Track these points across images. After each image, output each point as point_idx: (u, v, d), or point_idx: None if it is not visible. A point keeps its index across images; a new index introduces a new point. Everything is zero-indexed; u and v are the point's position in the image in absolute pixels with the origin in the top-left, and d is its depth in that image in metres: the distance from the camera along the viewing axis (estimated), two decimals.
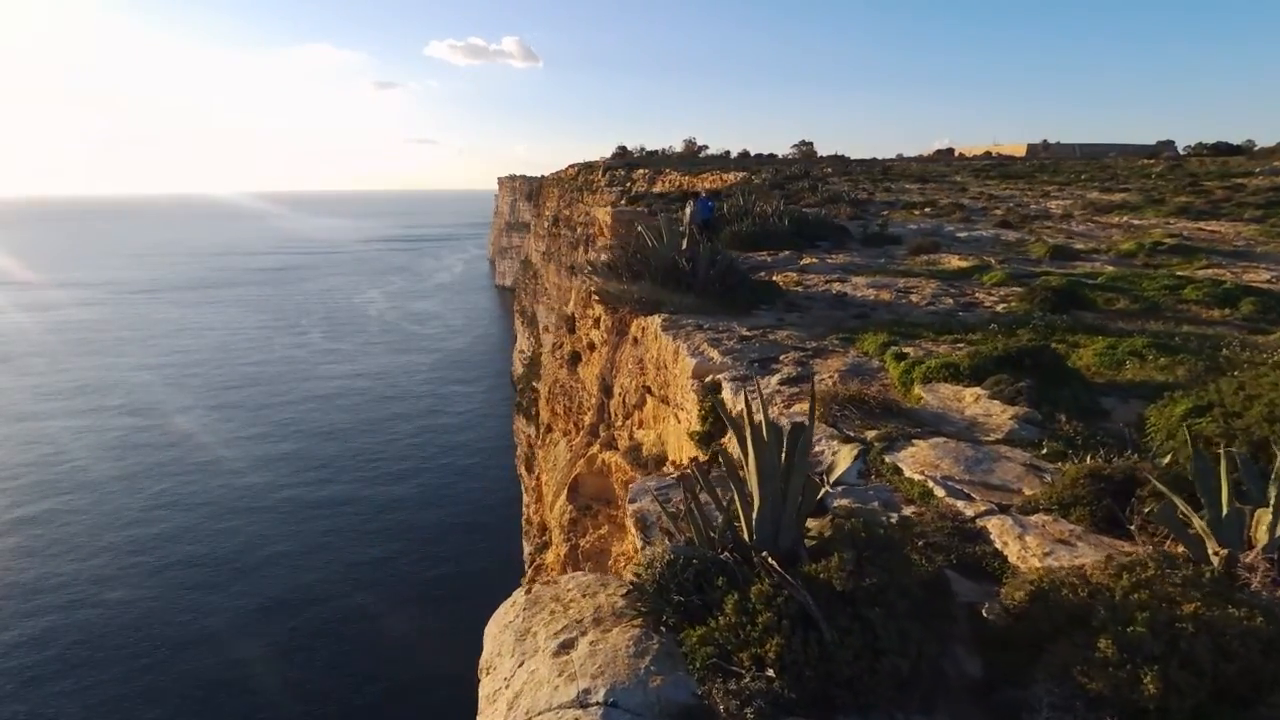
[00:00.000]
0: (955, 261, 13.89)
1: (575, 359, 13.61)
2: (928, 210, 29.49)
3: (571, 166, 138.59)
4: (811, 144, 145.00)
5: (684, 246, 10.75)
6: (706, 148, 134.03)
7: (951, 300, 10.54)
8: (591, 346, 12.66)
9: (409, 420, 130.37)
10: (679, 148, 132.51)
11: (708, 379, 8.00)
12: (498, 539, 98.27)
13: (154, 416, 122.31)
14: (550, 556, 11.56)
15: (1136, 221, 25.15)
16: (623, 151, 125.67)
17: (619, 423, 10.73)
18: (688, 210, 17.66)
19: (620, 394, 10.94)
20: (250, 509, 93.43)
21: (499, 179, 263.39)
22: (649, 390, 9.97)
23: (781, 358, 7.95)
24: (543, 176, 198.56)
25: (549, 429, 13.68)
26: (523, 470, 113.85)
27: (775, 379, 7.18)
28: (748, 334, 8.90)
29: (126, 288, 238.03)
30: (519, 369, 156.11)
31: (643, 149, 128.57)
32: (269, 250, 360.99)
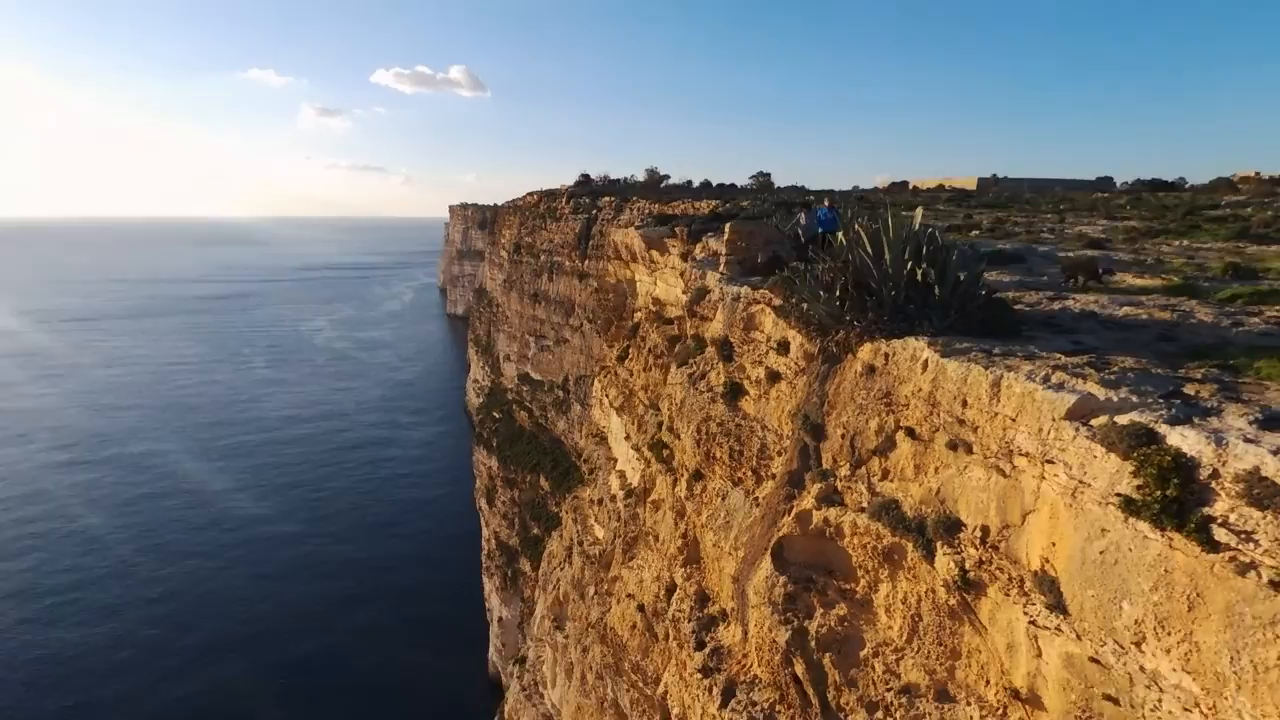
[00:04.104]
0: (1141, 280, 12.34)
1: (736, 391, 11.42)
2: (993, 232, 28.41)
3: (532, 194, 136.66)
4: (769, 175, 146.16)
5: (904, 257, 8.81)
6: (669, 177, 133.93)
7: (1260, 320, 8.75)
8: (773, 377, 10.51)
9: (360, 452, 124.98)
10: (641, 176, 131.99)
11: (1097, 420, 5.94)
12: (458, 573, 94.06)
13: (85, 451, 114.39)
14: (733, 635, 9.23)
15: (1201, 246, 24.30)
16: (586, 179, 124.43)
17: (844, 471, 8.61)
18: (801, 220, 15.85)
19: (843, 436, 8.80)
20: (189, 546, 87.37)
21: (450, 207, 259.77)
22: (910, 432, 7.86)
23: (1184, 389, 6.02)
24: (496, 205, 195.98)
25: (698, 476, 11.43)
26: (483, 503, 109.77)
27: (1238, 419, 5.24)
28: (1075, 361, 6.96)
29: (55, 315, 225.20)
30: (474, 399, 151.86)
31: (606, 177, 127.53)
32: (207, 277, 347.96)
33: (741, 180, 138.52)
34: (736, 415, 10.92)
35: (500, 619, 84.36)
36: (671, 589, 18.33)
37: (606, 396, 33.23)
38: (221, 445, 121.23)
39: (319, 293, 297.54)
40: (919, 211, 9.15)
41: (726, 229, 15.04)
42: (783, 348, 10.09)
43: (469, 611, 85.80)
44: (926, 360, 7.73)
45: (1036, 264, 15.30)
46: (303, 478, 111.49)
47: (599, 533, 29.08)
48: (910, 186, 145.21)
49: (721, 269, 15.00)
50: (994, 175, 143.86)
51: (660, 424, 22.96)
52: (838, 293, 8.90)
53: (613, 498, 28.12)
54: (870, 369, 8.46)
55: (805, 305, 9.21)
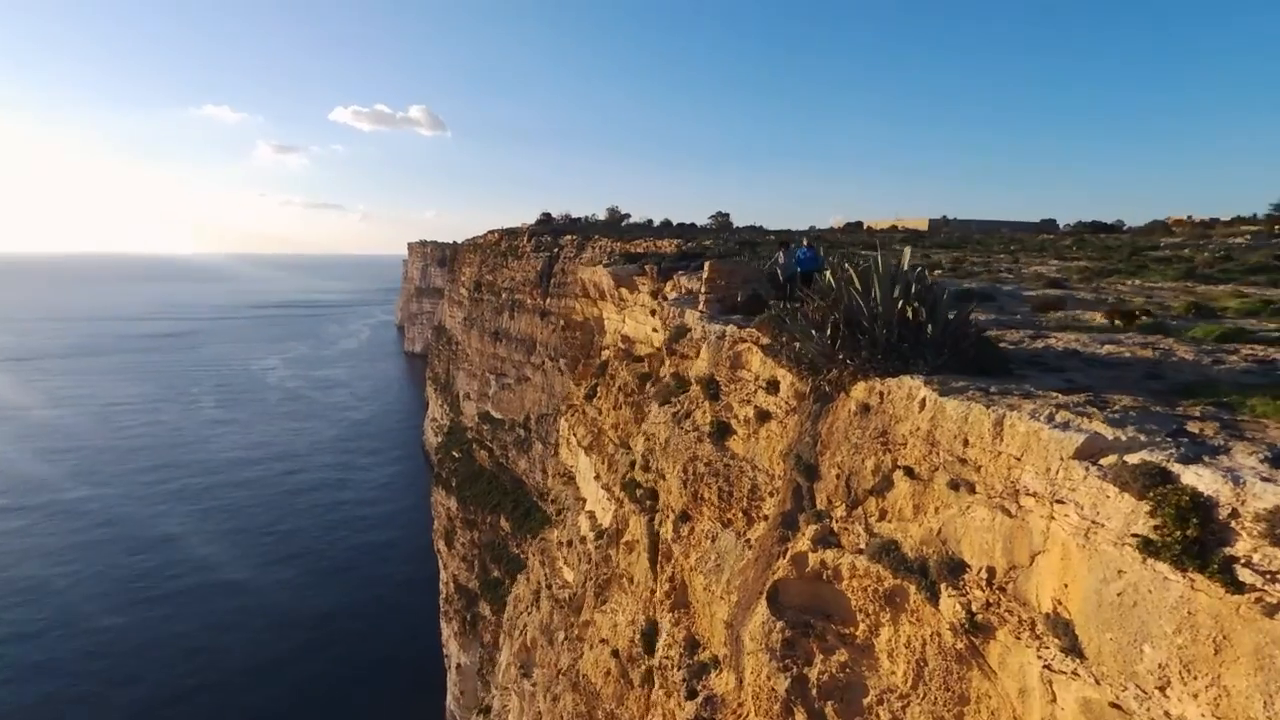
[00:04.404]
0: (1104, 318, 12.62)
1: (723, 431, 11.25)
2: (954, 271, 29.03)
3: (493, 232, 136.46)
4: (728, 214, 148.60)
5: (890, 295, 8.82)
6: (630, 216, 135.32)
7: (1238, 358, 8.90)
8: (763, 416, 10.38)
9: (313, 494, 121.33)
10: (603, 215, 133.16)
11: (1106, 460, 5.92)
12: (415, 618, 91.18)
13: (19, 496, 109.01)
14: (727, 683, 8.87)
15: (1153, 285, 25.14)
16: (547, 218, 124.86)
17: (840, 512, 8.47)
18: (779, 259, 15.91)
19: (838, 476, 8.68)
20: (131, 596, 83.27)
21: (409, 244, 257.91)
22: (909, 472, 7.78)
23: (1187, 427, 6.04)
24: (456, 242, 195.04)
25: (685, 517, 11.15)
26: (441, 545, 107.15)
27: (1248, 457, 5.24)
28: (1074, 399, 6.97)
29: None
30: (432, 438, 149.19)
31: (567, 216, 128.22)
32: (154, 315, 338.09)
33: (701, 220, 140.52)
34: (725, 455, 10.75)
35: (459, 665, 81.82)
36: (649, 633, 17.89)
37: (574, 435, 32.84)
38: (166, 489, 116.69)
39: (271, 330, 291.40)
40: (907, 251, 9.22)
41: (706, 267, 15.05)
42: (772, 387, 9.99)
43: (426, 658, 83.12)
44: (924, 399, 7.69)
45: (1006, 302, 15.61)
46: (252, 522, 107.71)
47: (568, 575, 28.45)
48: (865, 227, 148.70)
49: (701, 307, 14.96)
50: (944, 216, 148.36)
51: (633, 463, 22.66)
52: (829, 331, 8.88)
53: (582, 539, 27.61)
54: (865, 408, 8.40)
55: (797, 344, 9.13)
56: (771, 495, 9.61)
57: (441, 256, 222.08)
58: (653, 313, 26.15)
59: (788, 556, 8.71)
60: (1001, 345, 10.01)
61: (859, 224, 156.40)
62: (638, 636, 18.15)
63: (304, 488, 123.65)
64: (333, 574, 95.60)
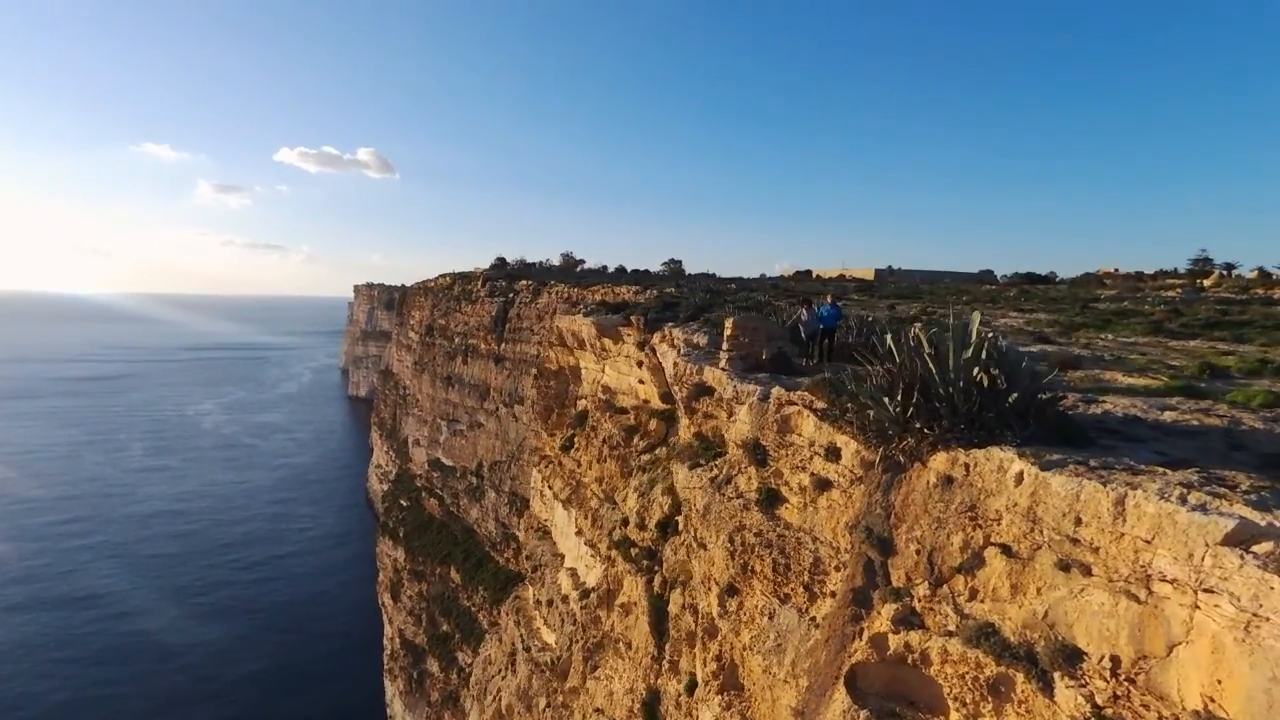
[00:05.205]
0: (1131, 379, 12.66)
1: (773, 499, 10.72)
2: (924, 323, 29.36)
3: (444, 276, 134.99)
4: (680, 262, 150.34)
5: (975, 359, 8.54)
6: (584, 261, 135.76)
7: None
8: (822, 484, 9.90)
9: (250, 547, 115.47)
10: (557, 260, 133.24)
11: (1260, 547, 5.63)
12: (358, 676, 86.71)
13: None
14: None
15: (1130, 341, 25.83)
16: (502, 262, 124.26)
17: (921, 590, 8.02)
18: (802, 315, 15.67)
19: (918, 551, 8.24)
20: (47, 665, 77.09)
21: (355, 286, 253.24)
22: (1006, 550, 7.40)
23: None
24: (404, 285, 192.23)
25: (733, 590, 10.50)
26: (386, 599, 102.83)
27: None
28: (1188, 476, 6.71)
29: None
30: (378, 485, 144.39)
31: (522, 260, 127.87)
32: (82, 356, 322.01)
33: (654, 266, 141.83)
34: (777, 525, 10.20)
35: None
36: (650, 703, 16.99)
37: (550, 488, 31.86)
38: (90, 542, 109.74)
39: (207, 374, 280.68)
40: (976, 316, 9.01)
41: (728, 324, 14.70)
42: (832, 453, 9.56)
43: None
44: (1020, 473, 7.36)
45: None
46: (183, 578, 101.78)
47: (548, 637, 27.22)
48: (814, 275, 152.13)
49: (723, 364, 14.55)
50: (890, 266, 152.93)
51: (625, 520, 21.91)
52: (899, 398, 8.54)
53: (564, 598, 26.54)
54: (947, 480, 8.04)
55: (870, 411, 8.73)
56: (837, 570, 9.10)
57: (389, 299, 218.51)
58: (639, 364, 25.68)
59: (865, 638, 8.20)
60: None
61: (808, 272, 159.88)
62: (638, 706, 17.23)
63: (240, 540, 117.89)
64: (269, 632, 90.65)
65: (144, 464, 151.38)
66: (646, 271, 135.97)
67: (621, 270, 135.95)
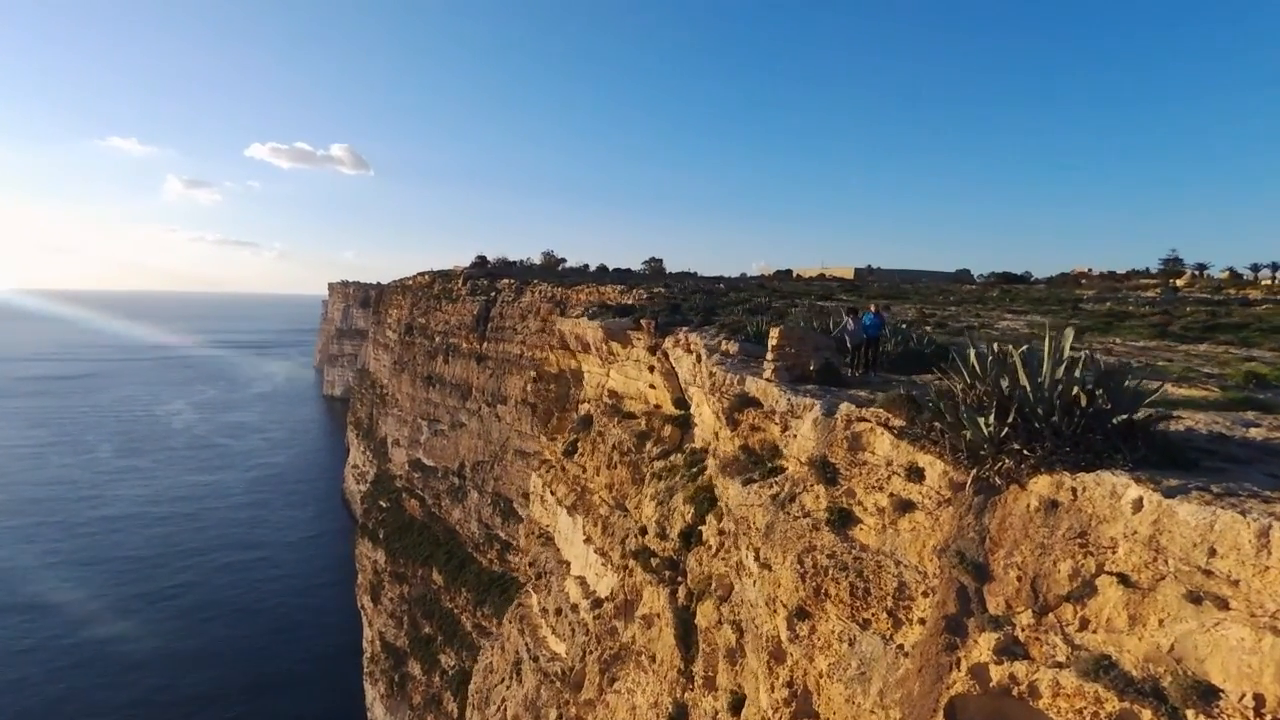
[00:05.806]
0: (1184, 390, 12.51)
1: (845, 519, 10.35)
2: (938, 326, 29.29)
3: (424, 274, 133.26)
4: (661, 260, 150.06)
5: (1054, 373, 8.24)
6: (565, 260, 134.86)
7: None
8: (903, 506, 9.55)
9: (223, 551, 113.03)
10: (538, 259, 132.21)
11: None
12: (337, 679, 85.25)
13: None
14: None
15: (1143, 345, 25.84)
16: (482, 261, 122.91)
17: (1024, 619, 7.71)
18: (848, 324, 15.35)
19: (1019, 578, 7.92)
20: (13, 672, 74.76)
21: (330, 284, 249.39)
22: (1123, 579, 7.10)
23: None
24: (381, 283, 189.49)
25: (803, 614, 10.12)
26: (366, 601, 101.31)
27: None
28: None
29: None
30: (354, 486, 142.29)
31: (503, 259, 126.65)
32: (49, 355, 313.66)
33: (635, 265, 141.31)
34: (853, 547, 9.84)
35: None
36: (677, 717, 16.57)
37: (552, 493, 31.32)
38: (58, 546, 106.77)
39: (178, 373, 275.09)
40: (1069, 332, 8.72)
41: (774, 333, 14.33)
42: (914, 474, 9.22)
43: None
44: (1140, 499, 7.08)
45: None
46: (156, 583, 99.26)
47: (556, 647, 26.70)
48: (795, 275, 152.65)
49: (768, 375, 14.18)
50: (869, 265, 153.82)
51: (643, 529, 21.46)
52: (991, 418, 8.22)
53: (574, 607, 26.03)
54: (1051, 504, 7.73)
55: (966, 431, 8.37)
56: (925, 595, 8.78)
57: (365, 297, 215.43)
58: (650, 368, 25.25)
59: (964, 668, 7.88)
60: None
61: (788, 272, 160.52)
62: None
63: (213, 544, 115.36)
64: (245, 637, 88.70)
65: (114, 465, 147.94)
66: (629, 270, 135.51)
67: (604, 269, 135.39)
